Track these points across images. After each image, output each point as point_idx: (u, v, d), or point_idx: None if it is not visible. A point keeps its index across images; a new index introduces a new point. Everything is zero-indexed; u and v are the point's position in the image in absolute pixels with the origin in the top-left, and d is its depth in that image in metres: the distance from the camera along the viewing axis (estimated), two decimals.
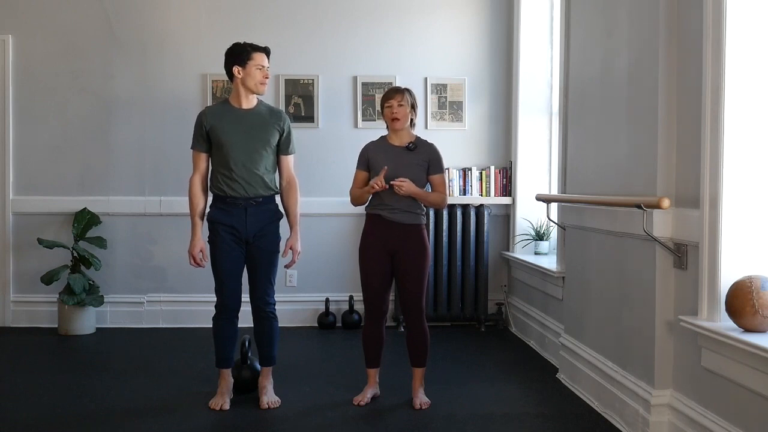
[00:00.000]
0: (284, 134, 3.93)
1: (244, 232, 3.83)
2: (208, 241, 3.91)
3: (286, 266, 3.99)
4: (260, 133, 3.85)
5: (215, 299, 3.92)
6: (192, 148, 3.94)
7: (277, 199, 3.99)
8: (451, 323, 5.98)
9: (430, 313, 5.73)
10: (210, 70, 5.85)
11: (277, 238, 3.93)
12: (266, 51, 3.91)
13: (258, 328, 3.95)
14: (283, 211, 4.00)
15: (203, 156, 3.91)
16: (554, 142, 5.68)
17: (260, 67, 3.84)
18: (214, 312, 3.91)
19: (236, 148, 3.81)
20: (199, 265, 3.91)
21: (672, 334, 3.28)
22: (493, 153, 6.09)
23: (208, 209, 3.92)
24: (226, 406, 3.83)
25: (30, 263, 5.84)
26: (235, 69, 3.84)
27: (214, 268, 3.88)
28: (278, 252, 3.93)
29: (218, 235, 3.85)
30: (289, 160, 4.00)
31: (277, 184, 3.98)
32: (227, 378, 3.96)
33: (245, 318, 4.02)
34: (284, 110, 5.90)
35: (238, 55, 3.85)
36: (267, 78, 3.88)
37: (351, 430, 3.59)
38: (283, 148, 3.95)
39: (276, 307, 3.97)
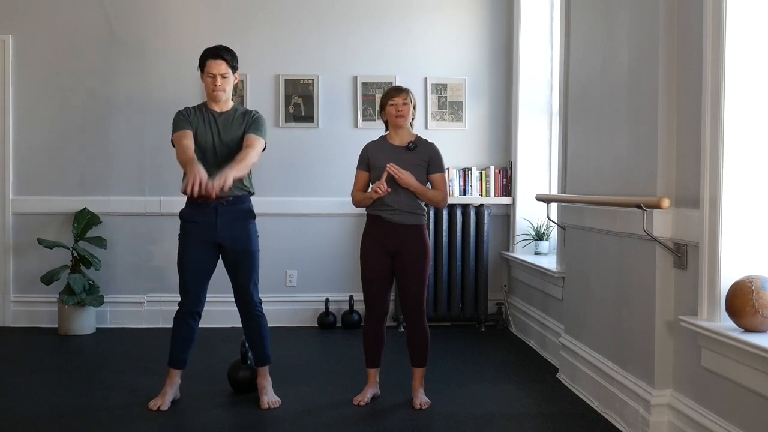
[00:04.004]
0: (248, 123, 3.82)
1: (213, 231, 3.78)
2: (177, 238, 3.90)
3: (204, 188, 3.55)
4: (232, 135, 3.81)
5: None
6: (176, 131, 3.75)
7: (253, 199, 3.94)
8: (451, 323, 5.98)
9: (430, 313, 5.73)
10: None
11: (253, 236, 3.89)
12: (220, 56, 3.76)
13: (247, 329, 3.94)
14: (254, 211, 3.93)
15: (189, 133, 3.73)
16: (554, 142, 5.68)
17: (211, 75, 3.76)
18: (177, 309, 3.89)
19: (209, 151, 3.77)
20: (200, 191, 3.49)
21: (672, 334, 3.28)
22: (493, 153, 6.09)
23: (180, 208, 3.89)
24: (164, 407, 3.79)
25: (30, 263, 5.84)
26: (201, 76, 3.86)
27: (179, 267, 3.87)
28: (256, 251, 3.90)
29: (187, 234, 3.84)
30: (254, 140, 3.76)
31: (251, 184, 3.91)
32: (174, 378, 3.90)
33: (238, 318, 4.00)
34: (285, 109, 5.93)
35: (199, 62, 3.84)
36: (218, 85, 3.76)
37: (351, 430, 3.59)
38: (245, 129, 3.80)
39: (266, 306, 3.96)
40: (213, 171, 3.73)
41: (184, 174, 3.61)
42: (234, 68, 3.85)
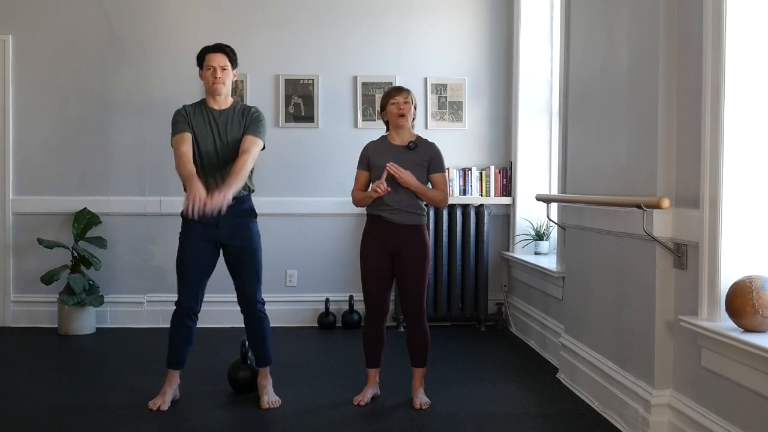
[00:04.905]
0: (247, 122, 3.81)
1: (215, 230, 3.78)
2: (178, 239, 3.89)
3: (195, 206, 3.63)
4: (231, 134, 3.80)
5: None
6: (175, 134, 3.76)
7: (253, 199, 3.93)
8: (451, 323, 5.98)
9: (430, 313, 5.73)
10: None
11: (255, 234, 3.89)
12: (220, 49, 3.82)
13: (249, 330, 3.93)
14: (255, 210, 3.93)
15: (188, 137, 3.74)
16: (554, 142, 5.68)
17: (210, 68, 3.78)
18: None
19: (209, 150, 3.77)
20: (202, 207, 3.51)
21: (672, 334, 3.28)
22: (493, 153, 6.09)
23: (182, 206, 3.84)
24: (164, 407, 3.79)
25: (30, 263, 5.84)
26: (199, 73, 3.87)
27: (179, 265, 3.86)
28: (258, 249, 3.90)
29: (189, 232, 3.83)
30: (252, 142, 3.74)
31: (252, 182, 3.90)
32: (173, 379, 3.90)
33: (238, 319, 3.99)
34: (285, 109, 5.93)
35: (198, 59, 3.86)
36: (218, 77, 3.77)
37: (351, 430, 3.59)
38: (244, 130, 3.79)
39: (266, 306, 3.95)
40: (216, 172, 3.77)
41: (184, 186, 3.63)
42: (234, 63, 3.87)
